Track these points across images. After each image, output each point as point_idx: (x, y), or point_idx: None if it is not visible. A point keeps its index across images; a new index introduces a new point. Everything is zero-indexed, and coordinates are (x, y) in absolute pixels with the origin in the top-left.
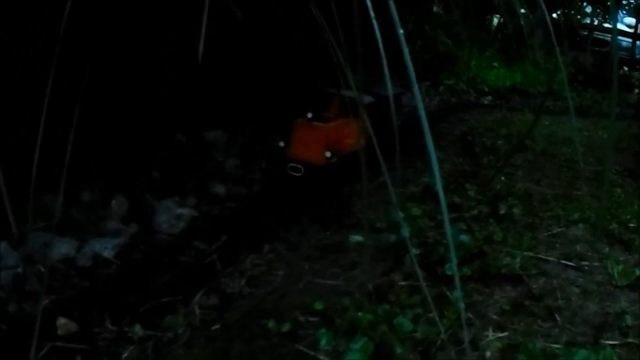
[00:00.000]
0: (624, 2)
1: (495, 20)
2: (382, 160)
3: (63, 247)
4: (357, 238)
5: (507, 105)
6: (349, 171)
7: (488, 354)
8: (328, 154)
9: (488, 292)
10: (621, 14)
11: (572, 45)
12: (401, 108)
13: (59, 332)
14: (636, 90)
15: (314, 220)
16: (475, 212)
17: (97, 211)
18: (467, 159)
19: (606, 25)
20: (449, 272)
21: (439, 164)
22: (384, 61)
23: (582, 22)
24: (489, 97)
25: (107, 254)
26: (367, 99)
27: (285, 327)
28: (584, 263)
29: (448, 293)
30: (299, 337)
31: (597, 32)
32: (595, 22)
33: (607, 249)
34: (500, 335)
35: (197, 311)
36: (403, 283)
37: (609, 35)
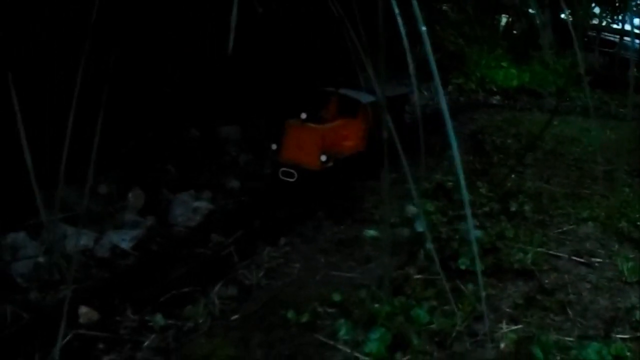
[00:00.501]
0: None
1: (504, 20)
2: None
3: (82, 239)
4: (371, 232)
5: (516, 105)
6: (347, 176)
7: (502, 345)
8: (324, 158)
9: (501, 286)
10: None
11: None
12: (406, 108)
13: (81, 320)
14: None
15: (328, 215)
16: (487, 209)
17: (114, 204)
18: (478, 157)
19: (614, 26)
20: (462, 267)
21: (451, 162)
22: (410, 59)
23: (591, 22)
24: (498, 97)
25: (125, 245)
26: (368, 98)
27: (304, 318)
28: (594, 259)
29: (462, 286)
30: (317, 327)
31: (605, 33)
32: (604, 23)
33: (617, 246)
34: (514, 327)
35: (217, 301)
36: (418, 276)
37: (617, 36)
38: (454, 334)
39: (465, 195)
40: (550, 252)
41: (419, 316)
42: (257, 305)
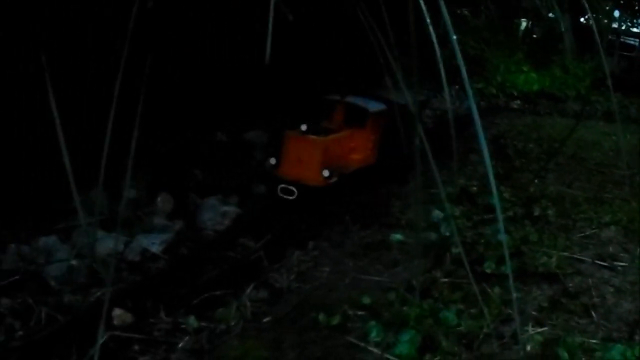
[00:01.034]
0: None
1: (523, 25)
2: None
3: (112, 242)
4: (397, 237)
5: (536, 109)
6: (353, 192)
7: (529, 347)
8: (326, 173)
9: (526, 289)
10: None
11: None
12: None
13: (115, 322)
14: None
15: (355, 219)
16: (510, 213)
17: (143, 208)
18: (500, 162)
19: (634, 29)
20: (487, 270)
21: (473, 167)
22: (441, 65)
23: (610, 26)
24: (518, 101)
25: (155, 249)
26: (377, 106)
27: (335, 320)
28: (617, 263)
29: (488, 290)
30: (348, 329)
31: (625, 37)
32: (623, 27)
33: (639, 250)
34: (540, 330)
35: (248, 304)
36: (445, 280)
37: (637, 40)
38: (481, 336)
39: (497, 201)
40: (574, 256)
41: (448, 318)
42: (288, 308)
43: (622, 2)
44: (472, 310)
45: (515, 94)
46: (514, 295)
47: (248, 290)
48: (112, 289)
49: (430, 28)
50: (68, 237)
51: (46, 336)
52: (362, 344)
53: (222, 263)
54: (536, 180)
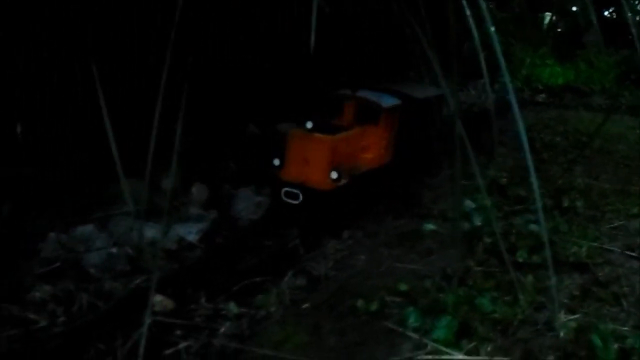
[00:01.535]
0: None
1: (547, 18)
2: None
3: (149, 231)
4: (430, 226)
5: (562, 103)
6: (368, 195)
7: (562, 333)
8: (334, 175)
9: (558, 278)
10: None
11: (625, 43)
12: (440, 110)
13: (156, 308)
14: None
15: (388, 209)
16: (540, 204)
17: (178, 198)
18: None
19: None
20: (520, 259)
21: (502, 159)
22: (482, 58)
23: (635, 19)
24: (543, 95)
25: (192, 238)
26: (392, 101)
27: (373, 306)
28: None
29: (522, 278)
30: (386, 315)
31: None
32: None
33: None
34: (572, 317)
35: (287, 291)
36: (478, 268)
37: None
38: (515, 323)
39: (537, 193)
40: (604, 246)
41: (483, 305)
42: (327, 295)
43: None
44: (506, 298)
45: (541, 87)
46: (553, 279)
47: (286, 278)
48: (152, 276)
49: (471, 21)
50: (104, 226)
51: (90, 321)
52: (401, 329)
53: (259, 251)
54: (564, 173)
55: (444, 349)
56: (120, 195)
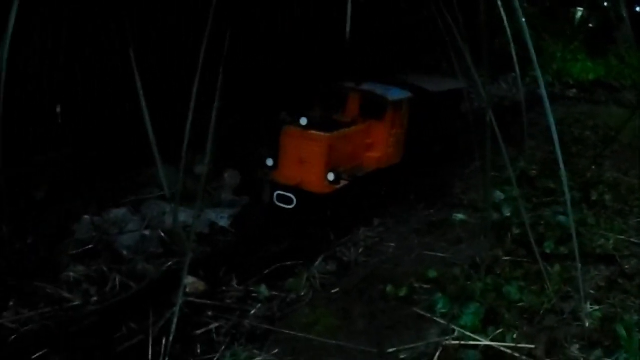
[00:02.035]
0: None
1: (579, 14)
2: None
3: (182, 215)
4: (460, 216)
5: (592, 98)
6: (367, 200)
7: (588, 323)
8: (331, 177)
9: (585, 269)
10: None
11: None
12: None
13: (188, 290)
14: None
15: (419, 198)
16: (568, 197)
17: (210, 183)
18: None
19: None
20: (547, 250)
21: (532, 151)
22: (513, 52)
23: None
24: (574, 90)
25: (224, 222)
26: (400, 94)
27: (402, 292)
28: None
29: (549, 268)
30: (415, 301)
31: None
32: None
33: None
34: (598, 307)
35: (317, 275)
36: (506, 258)
37: None
38: (542, 311)
39: (566, 187)
40: (631, 239)
41: (510, 293)
42: (357, 280)
43: None
44: (533, 287)
45: (571, 82)
46: (579, 270)
47: (317, 263)
48: (185, 259)
49: (503, 15)
50: (137, 209)
51: (122, 301)
52: (429, 315)
53: (289, 236)
54: (593, 167)
55: (470, 334)
56: (153, 180)
